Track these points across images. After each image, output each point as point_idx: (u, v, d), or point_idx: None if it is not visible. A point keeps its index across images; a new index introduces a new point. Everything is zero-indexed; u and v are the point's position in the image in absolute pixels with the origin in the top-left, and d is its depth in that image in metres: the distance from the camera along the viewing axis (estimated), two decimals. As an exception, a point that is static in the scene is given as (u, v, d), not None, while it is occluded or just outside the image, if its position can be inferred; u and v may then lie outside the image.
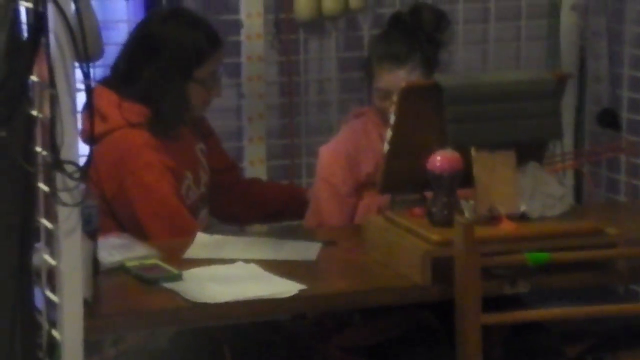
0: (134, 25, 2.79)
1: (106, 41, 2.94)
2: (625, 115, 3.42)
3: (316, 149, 2.94)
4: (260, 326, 2.44)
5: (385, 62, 2.71)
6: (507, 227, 2.28)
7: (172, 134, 2.66)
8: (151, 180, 2.59)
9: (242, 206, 2.90)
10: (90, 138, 1.97)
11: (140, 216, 2.58)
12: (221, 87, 2.77)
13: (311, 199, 2.84)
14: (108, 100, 2.61)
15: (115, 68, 2.72)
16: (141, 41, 2.69)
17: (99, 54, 2.90)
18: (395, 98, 2.46)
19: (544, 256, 2.20)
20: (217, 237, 2.56)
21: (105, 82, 2.68)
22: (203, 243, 2.51)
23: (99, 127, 1.94)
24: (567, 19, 3.53)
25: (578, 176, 3.52)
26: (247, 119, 3.29)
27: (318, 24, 3.29)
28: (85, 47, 1.85)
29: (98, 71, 2.93)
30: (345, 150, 2.75)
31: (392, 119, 2.36)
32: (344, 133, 2.82)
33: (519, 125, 2.35)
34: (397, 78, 2.67)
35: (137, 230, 2.53)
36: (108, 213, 2.56)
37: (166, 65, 2.63)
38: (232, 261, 2.37)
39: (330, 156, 2.77)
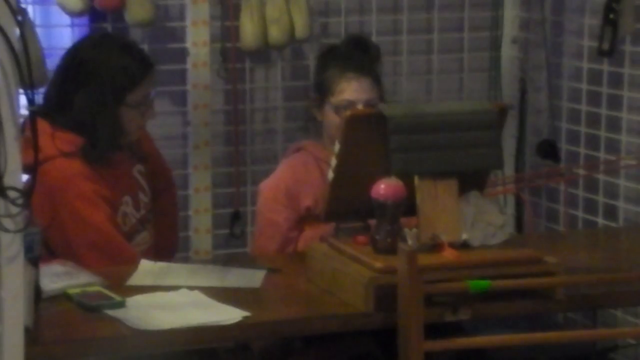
0: (64, 52, 2.73)
1: (50, 68, 2.92)
2: (563, 146, 3.48)
3: (261, 177, 2.95)
4: (205, 354, 2.43)
5: (349, 72, 2.72)
6: (449, 255, 2.31)
7: (106, 160, 2.64)
8: (85, 211, 2.57)
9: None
10: (34, 164, 1.95)
11: (76, 246, 2.56)
12: (154, 110, 2.74)
13: (254, 234, 2.85)
14: (41, 129, 2.54)
15: (47, 96, 2.67)
16: (72, 68, 2.65)
17: (43, 80, 2.88)
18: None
19: (485, 283, 2.23)
20: (161, 264, 2.55)
21: (37, 110, 2.63)
22: (146, 270, 2.50)
23: (32, 157, 1.91)
24: (508, 52, 3.60)
25: (518, 205, 3.57)
26: (192, 147, 3.29)
27: (264, 53, 3.31)
28: (30, 73, 1.85)
29: (41, 97, 2.90)
30: (285, 185, 2.76)
31: (337, 147, 2.39)
32: (282, 168, 2.82)
33: (461, 154, 2.38)
34: (362, 86, 2.69)
35: (71, 260, 2.49)
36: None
37: (98, 91, 2.61)
38: (175, 288, 2.36)
39: (269, 192, 2.78)
